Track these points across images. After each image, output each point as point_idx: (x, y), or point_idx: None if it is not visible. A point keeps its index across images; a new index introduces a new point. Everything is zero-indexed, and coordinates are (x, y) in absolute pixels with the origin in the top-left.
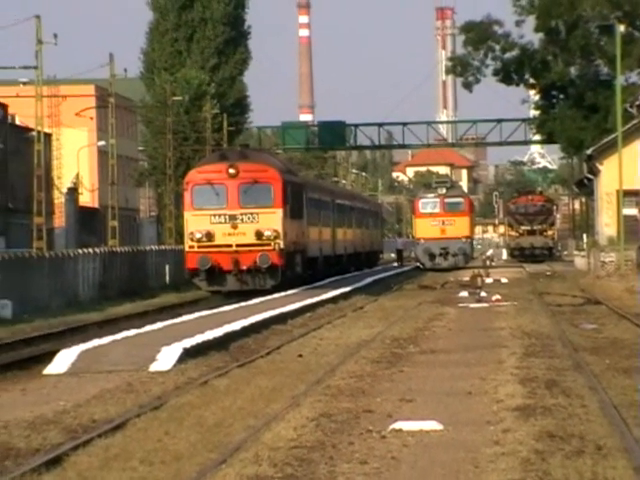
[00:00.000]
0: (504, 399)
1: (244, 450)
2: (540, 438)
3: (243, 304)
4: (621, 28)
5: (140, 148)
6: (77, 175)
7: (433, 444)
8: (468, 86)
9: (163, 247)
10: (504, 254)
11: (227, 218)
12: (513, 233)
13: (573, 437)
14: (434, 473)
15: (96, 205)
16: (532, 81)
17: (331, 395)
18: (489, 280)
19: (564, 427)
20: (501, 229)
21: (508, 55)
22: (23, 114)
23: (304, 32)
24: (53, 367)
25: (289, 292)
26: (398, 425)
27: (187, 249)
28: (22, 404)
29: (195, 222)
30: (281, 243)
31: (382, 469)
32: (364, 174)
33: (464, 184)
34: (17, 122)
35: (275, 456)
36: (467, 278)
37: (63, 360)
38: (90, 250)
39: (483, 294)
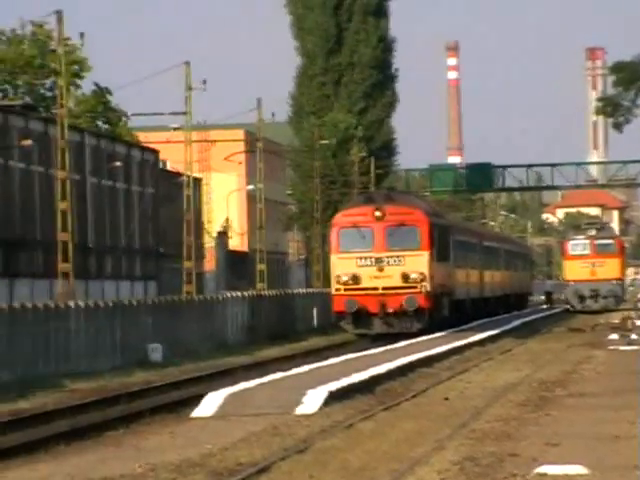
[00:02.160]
0: None
1: None
2: None
3: (389, 347)
4: None
5: (288, 192)
6: (227, 219)
7: None
8: (618, 126)
9: (310, 290)
10: None
11: (373, 261)
12: None
13: None
14: None
15: (245, 249)
16: None
17: (476, 439)
18: None
19: None
20: None
21: None
22: (174, 159)
23: (452, 74)
24: (201, 410)
25: (436, 335)
26: (543, 469)
27: (334, 292)
28: (170, 447)
29: (341, 265)
30: (428, 286)
31: None
32: (513, 216)
33: (615, 225)
34: (168, 167)
35: None
36: (618, 321)
37: (210, 403)
38: (238, 294)
39: (634, 337)
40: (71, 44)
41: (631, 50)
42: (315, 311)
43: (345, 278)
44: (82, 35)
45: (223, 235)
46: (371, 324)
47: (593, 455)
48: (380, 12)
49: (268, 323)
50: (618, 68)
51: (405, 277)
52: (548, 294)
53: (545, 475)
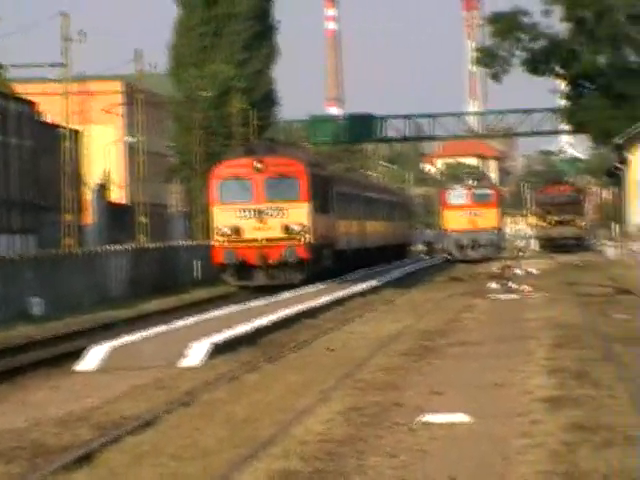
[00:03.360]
0: (533, 391)
1: (273, 445)
2: (569, 430)
3: (272, 299)
4: None
5: (169, 144)
6: (106, 172)
7: (462, 437)
8: (496, 77)
9: (193, 242)
10: (534, 245)
11: (254, 212)
12: (543, 224)
13: (602, 428)
14: (462, 465)
15: (126, 202)
16: (560, 71)
17: (360, 389)
18: (519, 271)
19: (593, 418)
20: (530, 220)
21: (536, 45)
22: (53, 112)
23: (331, 25)
24: (84, 364)
25: (318, 286)
26: (427, 418)
27: (214, 244)
28: (54, 401)
29: (222, 217)
30: (308, 237)
31: (411, 462)
32: (394, 166)
33: (494, 175)
34: (47, 120)
35: (304, 450)
36: (497, 269)
37: (94, 357)
38: (120, 247)
39: (513, 285)
40: None
41: (506, 2)
42: (198, 263)
43: (226, 230)
44: None
45: (103, 188)
46: (252, 276)
47: (475, 403)
48: None
49: (151, 276)
50: (495, 19)
51: (286, 229)
52: (429, 244)
53: (428, 423)
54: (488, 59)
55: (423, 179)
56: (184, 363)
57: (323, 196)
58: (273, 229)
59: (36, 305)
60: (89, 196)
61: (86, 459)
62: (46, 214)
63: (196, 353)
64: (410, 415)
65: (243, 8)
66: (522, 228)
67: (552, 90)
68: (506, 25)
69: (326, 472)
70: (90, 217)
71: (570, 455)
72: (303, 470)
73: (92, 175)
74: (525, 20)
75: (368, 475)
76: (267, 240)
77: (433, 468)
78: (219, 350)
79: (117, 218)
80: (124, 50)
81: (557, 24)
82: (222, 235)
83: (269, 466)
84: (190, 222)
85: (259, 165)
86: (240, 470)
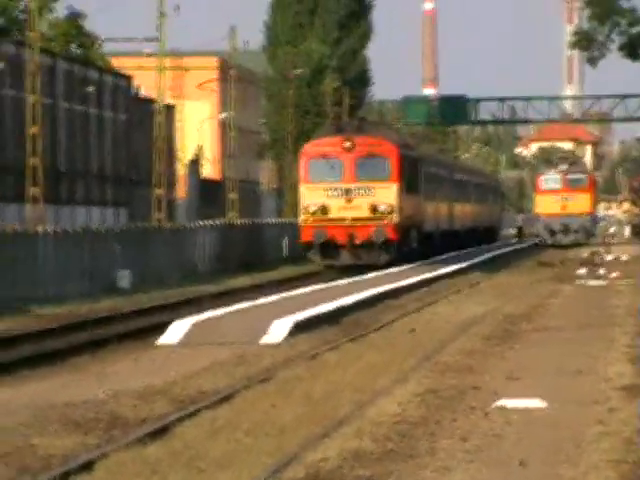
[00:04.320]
0: (612, 378)
1: (348, 424)
2: None
3: (357, 278)
4: None
5: (262, 121)
6: (199, 147)
7: (536, 422)
8: (593, 61)
9: (281, 220)
10: (627, 231)
11: (342, 191)
12: (637, 210)
13: None
14: (534, 451)
15: (218, 177)
16: None
17: (439, 371)
18: (610, 257)
19: None
20: (625, 206)
21: (634, 30)
22: (147, 86)
23: (429, 5)
24: (166, 338)
25: (404, 267)
26: (502, 402)
27: (302, 222)
28: (134, 374)
29: (310, 195)
30: (396, 217)
31: (483, 446)
32: (487, 148)
33: (588, 160)
34: (142, 95)
35: (377, 431)
36: (587, 255)
37: (176, 331)
38: (209, 222)
39: (602, 271)
40: None
41: None
42: (285, 241)
43: (313, 208)
44: None
45: (195, 163)
46: (339, 255)
47: (553, 389)
48: None
49: (238, 252)
50: (593, 2)
51: (373, 208)
52: (519, 228)
53: (503, 408)
54: (585, 43)
55: (517, 163)
56: (265, 340)
57: (412, 177)
58: (361, 209)
59: (123, 278)
60: (182, 171)
61: (161, 432)
62: (138, 188)
63: (278, 330)
64: (486, 399)
65: None
66: (616, 214)
67: None
68: (605, 9)
69: (396, 453)
70: (182, 192)
71: None
72: (374, 450)
73: (185, 151)
74: (624, 4)
75: (438, 457)
76: (354, 219)
77: (504, 452)
78: (301, 328)
79: (209, 194)
80: (219, 27)
81: None
82: (309, 213)
83: (341, 445)
84: (281, 200)
85: (348, 144)
86: (313, 448)
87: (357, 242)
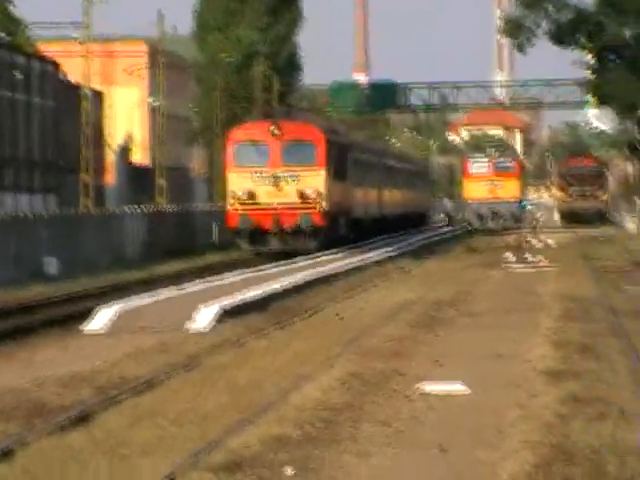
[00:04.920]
0: (534, 362)
1: (271, 411)
2: (565, 402)
3: (286, 265)
4: None
5: (192, 107)
6: (128, 133)
7: (459, 407)
8: (521, 48)
9: (210, 206)
10: (555, 217)
11: (270, 178)
12: (564, 196)
13: (598, 402)
14: (456, 436)
15: (148, 163)
16: (586, 43)
17: (365, 357)
18: (537, 243)
19: (590, 392)
20: (553, 191)
21: (562, 17)
22: (74, 72)
23: None
24: (92, 325)
25: (334, 254)
26: (424, 387)
27: (229, 208)
28: (60, 361)
29: (237, 181)
30: (324, 204)
31: (404, 431)
32: (417, 135)
33: (518, 146)
34: (70, 81)
35: (300, 417)
36: (514, 241)
37: (102, 318)
38: (137, 208)
39: (529, 257)
40: None
41: None
42: (215, 228)
43: (240, 194)
44: None
45: (124, 149)
46: (267, 241)
47: (476, 374)
48: None
49: (167, 239)
50: None
51: (301, 194)
52: (448, 214)
53: (427, 393)
54: (514, 29)
55: (448, 149)
56: (191, 327)
57: (340, 163)
58: (288, 195)
59: (50, 264)
60: (111, 157)
61: (84, 420)
62: (67, 174)
63: (204, 317)
64: (409, 384)
65: None
66: (545, 199)
67: (577, 62)
68: None
69: (318, 439)
70: (112, 178)
71: (563, 427)
72: (296, 436)
73: (115, 137)
74: None
75: (360, 442)
76: (282, 205)
77: (425, 438)
78: (228, 315)
79: (138, 180)
80: (148, 12)
81: None
82: (237, 199)
83: (264, 432)
84: (211, 186)
85: (276, 130)
86: (236, 435)
87: (285, 228)
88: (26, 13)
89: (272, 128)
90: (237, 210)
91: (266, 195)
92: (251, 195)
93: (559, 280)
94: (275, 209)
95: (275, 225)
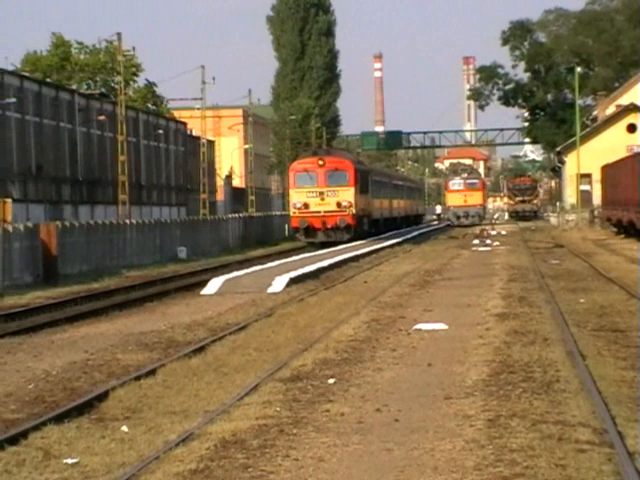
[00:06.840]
0: (490, 309)
1: (319, 342)
2: (509, 334)
3: (330, 250)
4: (579, 69)
5: (271, 149)
6: (231, 167)
7: (440, 338)
8: (482, 107)
9: (283, 213)
10: (506, 216)
11: (318, 194)
12: (511, 202)
13: (530, 333)
14: (438, 356)
15: (243, 186)
16: (523, 104)
17: (380, 307)
18: (494, 232)
19: (525, 327)
20: (504, 199)
21: (507, 87)
22: (196, 128)
23: (378, 73)
24: (206, 290)
25: (360, 242)
26: (419, 326)
27: (291, 214)
28: (184, 313)
29: (296, 196)
30: (353, 210)
31: (405, 354)
32: (416, 164)
33: (481, 170)
34: (192, 134)
35: (338, 346)
36: (478, 231)
37: (213, 285)
38: (236, 215)
39: (488, 241)
40: (129, 54)
41: (489, 58)
42: (286, 227)
43: (299, 205)
44: (134, 48)
45: (229, 177)
46: (316, 235)
47: (452, 316)
48: (329, 33)
49: (255, 234)
50: (481, 70)
51: (338, 204)
52: (438, 215)
53: (419, 330)
54: (477, 96)
55: (436, 173)
56: (270, 290)
57: (364, 183)
58: (330, 205)
59: (181, 252)
60: (220, 183)
61: (200, 350)
62: (192, 194)
63: (279, 283)
64: (408, 324)
65: (319, 62)
66: (499, 205)
67: (518, 116)
68: (488, 74)
69: (349, 360)
70: (220, 196)
71: (507, 350)
72: (335, 359)
73: (222, 170)
74: (500, 71)
75: (376, 362)
76: (326, 212)
77: (418, 357)
78: (294, 282)
79: (237, 197)
80: (242, 88)
81: (521, 73)
82: (297, 209)
83: (315, 356)
84: (284, 200)
85: (321, 162)
86: (297, 358)
87: (328, 227)
88: (165, 92)
89: (319, 161)
90: (297, 215)
91: (315, 205)
92: (306, 205)
93: (507, 256)
94: (321, 214)
95: (322, 224)
